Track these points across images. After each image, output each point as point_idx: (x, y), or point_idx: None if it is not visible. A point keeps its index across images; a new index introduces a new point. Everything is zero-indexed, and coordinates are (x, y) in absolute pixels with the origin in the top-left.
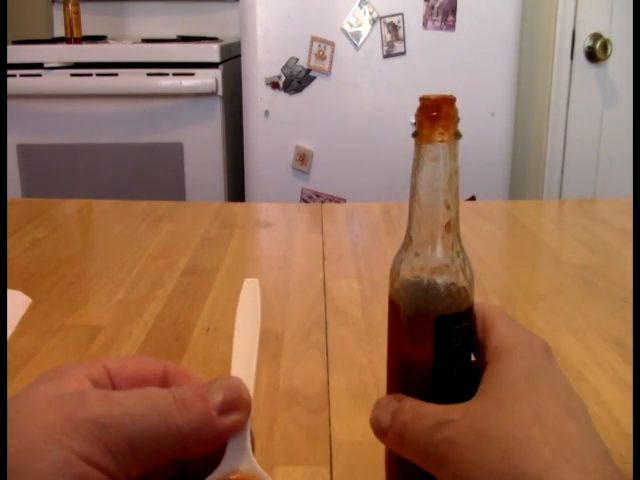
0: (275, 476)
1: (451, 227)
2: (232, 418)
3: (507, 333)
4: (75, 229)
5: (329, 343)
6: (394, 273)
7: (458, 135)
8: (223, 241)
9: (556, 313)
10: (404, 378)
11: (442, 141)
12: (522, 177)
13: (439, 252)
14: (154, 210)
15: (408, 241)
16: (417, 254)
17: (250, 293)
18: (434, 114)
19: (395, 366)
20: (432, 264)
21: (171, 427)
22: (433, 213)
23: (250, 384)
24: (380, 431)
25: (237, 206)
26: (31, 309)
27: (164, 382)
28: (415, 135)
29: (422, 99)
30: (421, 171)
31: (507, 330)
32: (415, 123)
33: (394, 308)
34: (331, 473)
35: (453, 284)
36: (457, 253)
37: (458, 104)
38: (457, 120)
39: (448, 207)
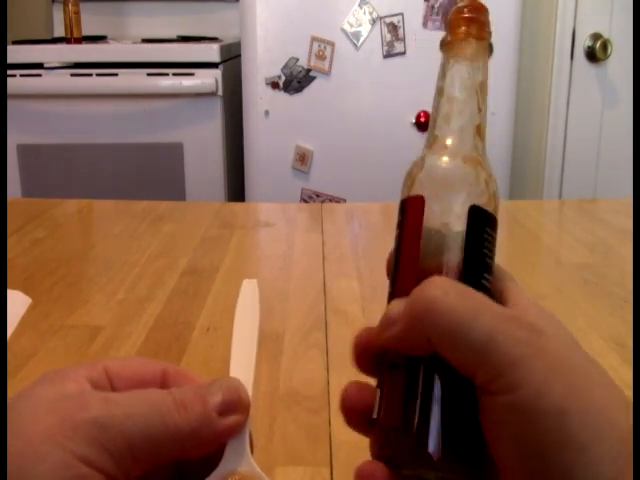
0: (275, 476)
1: (482, 132)
2: (231, 419)
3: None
4: (75, 229)
5: (329, 343)
6: (415, 169)
7: (491, 47)
8: (223, 241)
9: (556, 313)
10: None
11: (480, 38)
12: (522, 177)
13: (471, 144)
14: (154, 210)
15: (432, 140)
16: (446, 146)
17: (249, 294)
18: (471, 13)
19: (410, 285)
20: (465, 152)
21: (170, 428)
22: (464, 111)
23: (249, 385)
24: (388, 322)
25: (237, 206)
26: (31, 309)
27: (163, 383)
28: (447, 37)
29: (456, 3)
30: (453, 71)
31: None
32: (447, 27)
33: (415, 206)
34: (331, 473)
35: (487, 182)
36: (485, 160)
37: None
38: (490, 31)
39: (480, 110)
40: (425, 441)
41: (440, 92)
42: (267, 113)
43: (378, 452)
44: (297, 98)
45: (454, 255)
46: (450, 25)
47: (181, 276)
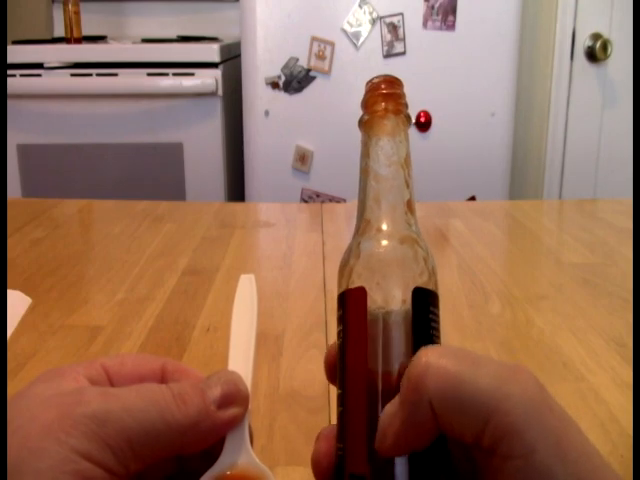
0: (275, 476)
1: (412, 207)
2: (230, 412)
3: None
4: (75, 229)
5: (329, 343)
6: (352, 259)
7: (409, 118)
8: (223, 241)
9: (556, 313)
10: (375, 389)
11: (398, 112)
12: (522, 177)
13: (404, 223)
14: (154, 210)
15: (364, 225)
16: (379, 229)
17: (246, 288)
18: (387, 90)
19: (360, 376)
20: (399, 232)
21: (170, 422)
22: (393, 188)
23: (248, 378)
24: (384, 425)
25: (237, 206)
26: (31, 309)
27: (162, 379)
28: (365, 117)
29: (370, 81)
30: (377, 148)
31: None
32: (364, 106)
33: (357, 298)
34: None
35: (425, 259)
36: (420, 236)
37: (458, 104)
38: (406, 103)
39: (407, 185)
40: None
41: (366, 172)
42: (267, 113)
43: None
44: (297, 98)
45: (403, 340)
46: (366, 104)
47: (181, 276)
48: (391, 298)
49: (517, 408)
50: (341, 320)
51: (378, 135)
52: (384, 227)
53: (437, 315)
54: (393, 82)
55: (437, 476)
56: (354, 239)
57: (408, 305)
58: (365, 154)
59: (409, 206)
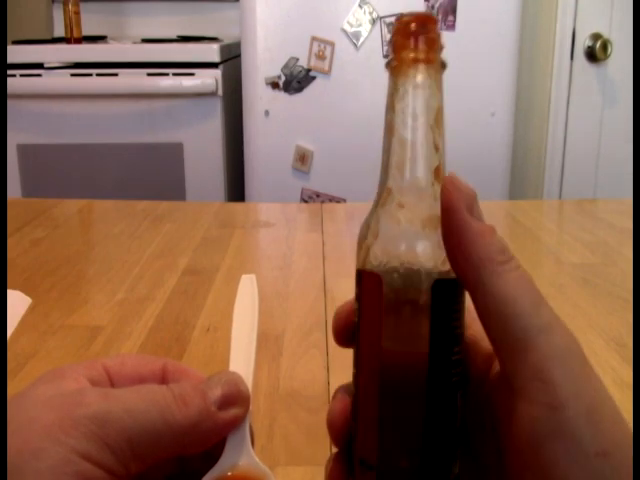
0: (275, 476)
1: (441, 175)
2: (231, 412)
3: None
4: (75, 229)
5: (329, 343)
6: (370, 235)
7: (444, 64)
8: (223, 241)
9: (556, 313)
10: (388, 378)
11: (429, 62)
12: (522, 177)
13: (429, 199)
14: (154, 210)
15: (385, 195)
16: (401, 204)
17: (247, 289)
18: (418, 30)
19: (373, 366)
20: (424, 214)
21: (171, 423)
22: (419, 155)
23: (249, 379)
24: None
25: (237, 206)
26: (31, 309)
27: (163, 379)
28: (393, 61)
29: (400, 17)
30: (402, 103)
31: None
32: (392, 47)
33: (372, 284)
34: None
35: None
36: None
37: (458, 104)
38: (441, 45)
39: (437, 149)
40: None
41: (390, 129)
42: (267, 113)
43: None
44: (297, 98)
45: (420, 332)
46: (395, 46)
47: (181, 276)
48: (410, 288)
49: (559, 355)
50: (357, 298)
51: (405, 87)
52: (406, 204)
53: (459, 303)
54: (426, 21)
55: (449, 467)
56: (374, 209)
57: (428, 296)
58: (390, 106)
59: (437, 174)
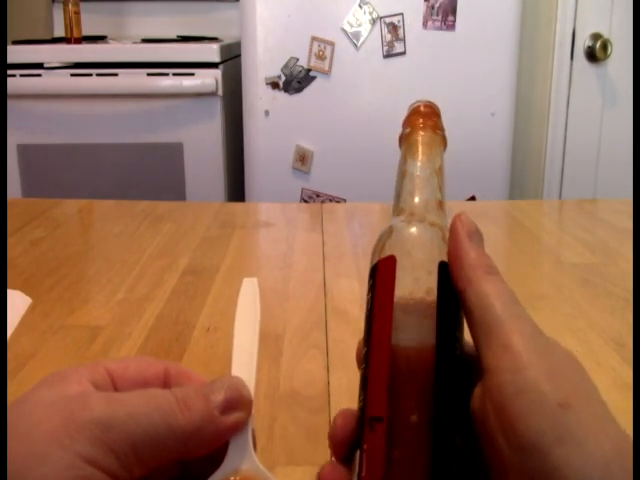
0: (275, 476)
1: (443, 207)
2: (234, 417)
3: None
4: (75, 229)
5: (329, 343)
6: (384, 236)
7: (445, 139)
8: (223, 241)
9: (556, 313)
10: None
11: (436, 129)
12: (522, 177)
13: (435, 214)
14: (154, 210)
15: (398, 211)
16: (412, 213)
17: (249, 292)
18: (426, 110)
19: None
20: (431, 219)
21: (174, 427)
22: (427, 187)
23: (251, 383)
24: None
25: (237, 206)
26: (31, 309)
27: (166, 383)
28: (407, 130)
29: (412, 104)
30: (414, 158)
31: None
32: (406, 123)
33: (387, 265)
34: None
35: None
36: (447, 229)
37: (458, 104)
38: (442, 126)
39: (440, 189)
40: None
41: (403, 175)
42: (267, 113)
43: None
44: (297, 98)
45: (428, 305)
46: (408, 121)
47: (181, 276)
48: (419, 268)
49: (526, 332)
50: (371, 289)
51: (417, 145)
52: (416, 212)
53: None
54: (432, 106)
55: (453, 437)
56: (389, 224)
57: (435, 275)
58: (403, 162)
59: (440, 205)
